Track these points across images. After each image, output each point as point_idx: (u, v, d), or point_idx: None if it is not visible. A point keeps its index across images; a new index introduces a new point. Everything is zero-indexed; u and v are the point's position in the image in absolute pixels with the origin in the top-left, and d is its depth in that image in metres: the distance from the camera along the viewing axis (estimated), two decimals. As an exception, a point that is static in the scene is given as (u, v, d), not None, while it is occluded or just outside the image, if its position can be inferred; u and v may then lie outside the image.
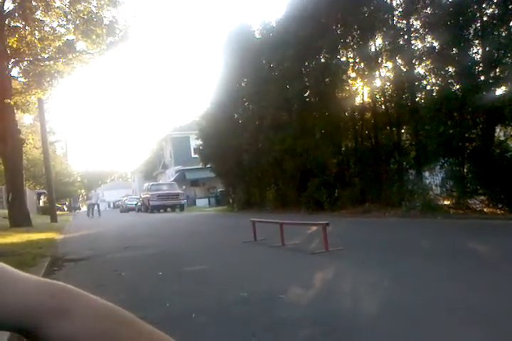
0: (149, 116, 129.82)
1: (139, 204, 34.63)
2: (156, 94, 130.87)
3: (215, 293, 4.15)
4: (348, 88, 15.05)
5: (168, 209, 30.16)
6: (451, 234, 7.70)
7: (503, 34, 10.16)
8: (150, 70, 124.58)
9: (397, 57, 13.29)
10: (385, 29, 13.65)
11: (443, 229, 8.46)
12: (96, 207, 27.37)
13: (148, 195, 30.33)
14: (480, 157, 10.30)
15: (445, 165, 11.54)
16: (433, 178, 12.25)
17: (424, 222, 9.91)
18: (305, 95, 16.89)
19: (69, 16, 16.20)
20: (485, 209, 10.20)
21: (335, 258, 5.62)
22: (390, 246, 6.46)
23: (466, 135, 10.79)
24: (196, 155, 29.20)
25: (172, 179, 38.78)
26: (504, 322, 2.74)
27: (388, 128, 13.93)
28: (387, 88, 13.83)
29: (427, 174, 12.50)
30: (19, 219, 14.80)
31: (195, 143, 30.48)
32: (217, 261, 6.16)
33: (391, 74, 13.79)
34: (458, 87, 11.11)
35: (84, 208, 68.84)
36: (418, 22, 12.77)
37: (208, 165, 25.52)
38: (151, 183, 34.48)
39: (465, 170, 11.05)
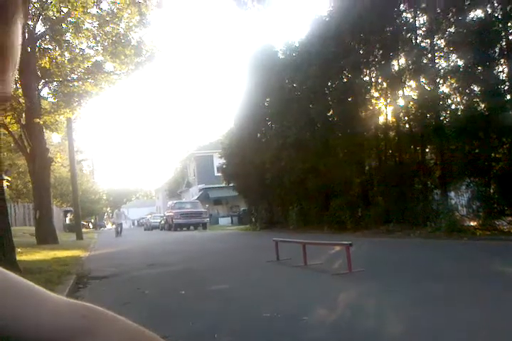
0: (174, 135, 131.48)
1: (163, 222, 34.84)
2: (181, 114, 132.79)
3: (238, 312, 4.14)
4: (371, 107, 15.05)
5: (191, 227, 30.27)
6: (478, 256, 7.53)
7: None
8: (175, 90, 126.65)
9: (420, 76, 13.25)
10: (408, 48, 13.68)
11: (469, 251, 8.27)
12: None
13: (171, 213, 30.54)
14: (506, 177, 10.11)
15: (471, 185, 11.36)
16: (458, 198, 12.06)
17: (449, 243, 9.70)
18: (328, 114, 16.92)
19: (98, 38, 16.68)
20: (513, 231, 9.96)
21: (358, 279, 5.55)
22: (415, 269, 6.35)
23: (492, 155, 10.65)
24: (219, 174, 29.36)
25: (195, 197, 39.00)
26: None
27: (412, 147, 13.82)
28: (410, 107, 13.76)
29: (452, 194, 12.31)
30: (46, 236, 15.05)
31: (218, 161, 30.71)
32: (240, 281, 6.14)
33: (415, 94, 13.74)
34: (483, 106, 11.01)
35: (109, 226, 69.59)
36: (442, 41, 12.77)
37: (231, 184, 25.61)
38: (174, 201, 34.74)
39: (491, 191, 10.85)
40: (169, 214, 31.33)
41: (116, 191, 72.64)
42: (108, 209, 63.83)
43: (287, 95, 18.39)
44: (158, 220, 39.14)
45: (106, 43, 16.62)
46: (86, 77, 17.44)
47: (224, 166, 26.22)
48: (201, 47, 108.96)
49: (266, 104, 21.52)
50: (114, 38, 16.31)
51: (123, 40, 16.46)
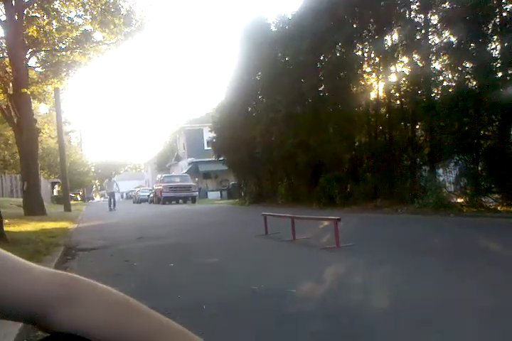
0: (163, 108, 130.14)
1: (152, 195, 34.87)
2: (171, 86, 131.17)
3: (226, 285, 4.18)
4: (363, 83, 14.96)
5: (180, 201, 30.38)
6: (463, 232, 7.65)
7: (524, 30, 9.97)
8: (165, 62, 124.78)
9: (413, 53, 13.14)
10: (401, 23, 13.49)
11: (455, 227, 8.41)
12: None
13: (160, 187, 30.53)
14: (495, 155, 10.18)
15: (459, 162, 11.44)
16: (446, 175, 12.16)
17: (436, 219, 9.84)
18: (319, 89, 16.80)
19: (87, 6, 16.28)
20: (499, 208, 10.10)
21: (346, 253, 5.62)
22: (401, 243, 6.44)
23: (482, 132, 10.69)
24: (209, 148, 29.27)
25: (185, 171, 38.99)
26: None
27: (403, 124, 13.82)
28: (402, 83, 13.69)
29: (440, 171, 12.40)
30: (34, 207, 15.01)
31: (208, 135, 30.57)
32: (229, 254, 6.19)
33: (407, 70, 13.64)
34: (475, 83, 10.97)
35: (97, 198, 69.43)
36: (436, 17, 12.59)
37: (221, 158, 25.58)
38: (163, 175, 34.72)
39: (479, 168, 10.94)
40: (158, 188, 31.32)
41: (105, 163, 72.33)
42: (96, 181, 63.64)
43: (279, 69, 18.19)
44: (147, 193, 39.17)
45: (95, 12, 16.24)
46: (74, 46, 17.10)
47: (214, 140, 26.11)
48: (193, 18, 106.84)
49: (257, 77, 21.27)
50: (103, 7, 15.94)
51: (112, 9, 16.10)
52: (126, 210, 23.91)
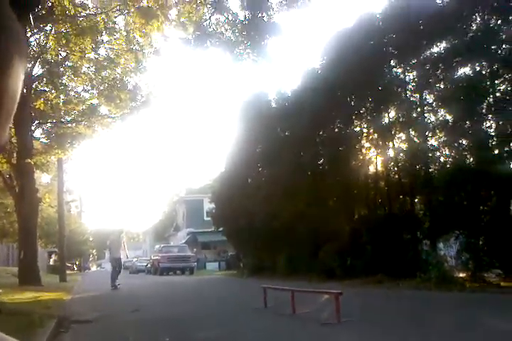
0: (164, 179, 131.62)
1: (149, 265, 34.22)
2: (172, 157, 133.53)
3: None
4: (361, 157, 15.31)
5: (178, 271, 29.76)
6: (467, 309, 7.47)
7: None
8: (168, 133, 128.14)
9: (410, 129, 13.62)
10: (398, 102, 14.11)
11: (459, 304, 8.21)
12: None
13: (158, 257, 30.04)
14: (495, 230, 10.20)
15: (460, 236, 11.43)
16: (447, 250, 12.10)
17: (438, 295, 9.63)
18: (319, 162, 17.15)
19: (94, 82, 16.99)
20: (501, 283, 9.93)
21: (346, 329, 5.48)
22: (403, 320, 6.29)
23: (481, 207, 10.78)
24: (209, 218, 29.22)
25: (183, 241, 38.57)
26: None
27: (401, 197, 13.97)
28: (400, 158, 14.04)
29: (441, 245, 12.34)
30: (29, 277, 14.69)
31: (208, 206, 30.64)
32: (226, 329, 6.03)
33: (404, 145, 14.06)
34: (472, 159, 11.26)
35: (93, 268, 67.91)
36: (431, 96, 13.21)
37: (220, 229, 25.45)
38: (162, 245, 34.39)
39: (480, 243, 10.90)
40: (156, 258, 30.81)
41: (103, 232, 71.60)
42: (94, 251, 62.68)
43: (279, 142, 18.68)
44: (144, 264, 38.45)
45: (102, 87, 16.90)
46: (80, 119, 17.61)
47: (213, 210, 26.16)
48: (196, 94, 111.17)
49: (257, 150, 21.78)
50: (110, 82, 16.62)
51: (119, 85, 16.76)
52: (122, 281, 23.29)
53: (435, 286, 10.40)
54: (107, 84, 16.67)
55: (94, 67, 16.38)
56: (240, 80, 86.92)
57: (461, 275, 11.19)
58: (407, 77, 13.99)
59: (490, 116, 11.22)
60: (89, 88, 17.53)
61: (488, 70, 11.21)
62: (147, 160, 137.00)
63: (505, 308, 7.30)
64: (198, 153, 78.02)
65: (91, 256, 63.12)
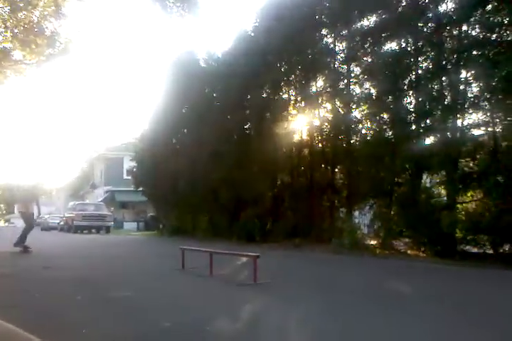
0: (82, 134, 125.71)
1: (62, 223, 33.21)
2: (93, 112, 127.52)
3: (137, 320, 4.01)
4: (287, 124, 15.48)
5: (93, 230, 29.20)
6: (375, 273, 8.03)
7: (436, 87, 10.90)
8: (89, 86, 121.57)
9: (336, 100, 13.92)
10: (326, 72, 14.30)
11: (368, 268, 8.79)
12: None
13: (72, 215, 29.22)
14: (407, 201, 10.88)
15: (374, 206, 12.07)
16: (362, 218, 12.76)
17: (351, 259, 10.25)
18: (245, 127, 17.18)
19: (8, 23, 15.65)
20: (408, 251, 10.72)
21: (262, 290, 5.66)
22: (317, 282, 6.63)
23: (396, 179, 11.39)
24: (129, 177, 28.61)
25: (100, 199, 37.64)
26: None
27: (323, 166, 14.42)
28: (325, 128, 14.37)
29: (356, 213, 13.00)
30: None
31: (128, 164, 29.92)
32: (142, 288, 5.98)
33: (329, 115, 14.37)
34: (391, 133, 11.76)
35: (1, 223, 64.64)
36: (358, 68, 13.49)
37: (140, 188, 25.03)
38: (76, 202, 33.37)
39: (392, 213, 11.59)
40: (70, 215, 29.94)
41: (14, 186, 67.99)
42: (2, 205, 59.59)
43: (206, 104, 18.39)
44: (57, 221, 37.26)
45: (16, 30, 15.64)
46: (-10, 63, 16.28)
47: (134, 170, 25.63)
48: (122, 47, 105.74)
49: (183, 110, 21.34)
50: (26, 26, 15.40)
51: (36, 29, 15.57)
52: (33, 237, 22.43)
53: (348, 252, 11.06)
54: (22, 27, 15.43)
55: (9, 7, 15.05)
56: (169, 37, 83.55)
57: (373, 242, 11.92)
58: (337, 48, 14.14)
59: (410, 92, 11.67)
60: (2, 30, 16.14)
61: (413, 47, 11.57)
62: (65, 113, 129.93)
63: (408, 273, 7.92)
64: (121, 109, 75.02)
65: (-1, 210, 59.98)
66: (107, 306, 4.75)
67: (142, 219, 33.21)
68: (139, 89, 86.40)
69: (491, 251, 9.36)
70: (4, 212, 66.07)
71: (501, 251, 9.01)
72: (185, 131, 21.87)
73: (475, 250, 9.71)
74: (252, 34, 16.58)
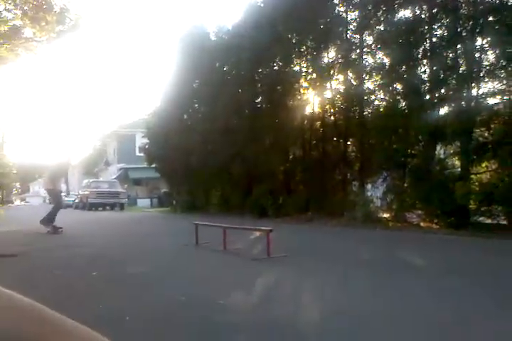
0: (95, 111, 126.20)
1: (77, 201, 33.57)
2: (105, 89, 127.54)
3: (152, 295, 4.04)
4: (299, 97, 15.27)
5: (108, 207, 29.49)
6: (388, 245, 7.96)
7: (450, 56, 10.61)
8: (100, 63, 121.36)
9: (348, 71, 13.63)
10: (338, 42, 13.99)
11: (380, 241, 8.73)
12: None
13: (87, 192, 29.52)
14: (420, 173, 10.71)
15: (387, 178, 11.92)
16: (375, 191, 12.63)
17: (363, 232, 10.19)
18: (257, 101, 16.99)
19: (17, 1, 15.51)
20: (421, 224, 10.62)
21: (277, 264, 5.64)
22: (331, 255, 6.59)
23: (409, 151, 11.20)
24: (141, 154, 28.68)
25: (114, 177, 37.88)
26: (421, 322, 2.84)
27: (336, 139, 14.24)
28: (337, 100, 14.13)
29: (369, 186, 12.87)
30: None
31: (141, 141, 29.96)
32: (156, 264, 6.02)
33: (342, 87, 14.11)
34: (404, 104, 11.51)
35: (17, 202, 65.68)
36: (371, 37, 13.17)
37: (153, 165, 25.09)
38: (91, 180, 33.65)
39: (405, 185, 11.45)
40: (84, 193, 30.27)
41: (28, 165, 68.80)
42: (17, 184, 60.39)
43: (217, 78, 18.16)
44: (72, 198, 37.67)
45: (26, 7, 15.50)
46: (2, 41, 16.20)
47: (147, 146, 25.63)
48: (132, 22, 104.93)
49: (195, 85, 21.15)
50: (35, 2, 15.25)
51: (45, 6, 15.42)
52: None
53: (361, 225, 10.99)
54: (31, 4, 15.27)
55: (17, -16, 14.88)
56: (180, 10, 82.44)
57: (386, 215, 11.82)
58: (349, 17, 13.79)
59: (425, 61, 11.37)
60: (12, 7, 16.00)
61: (427, 14, 11.22)
62: (78, 91, 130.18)
63: (422, 245, 7.84)
64: (134, 86, 74.86)
65: (14, 189, 60.80)
66: (122, 282, 4.77)
67: (155, 195, 33.39)
68: (150, 65, 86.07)
69: (505, 222, 9.22)
70: (20, 191, 67.03)
71: (516, 221, 8.86)
72: (196, 106, 21.73)
73: (489, 221, 9.57)
74: (262, 5, 16.21)
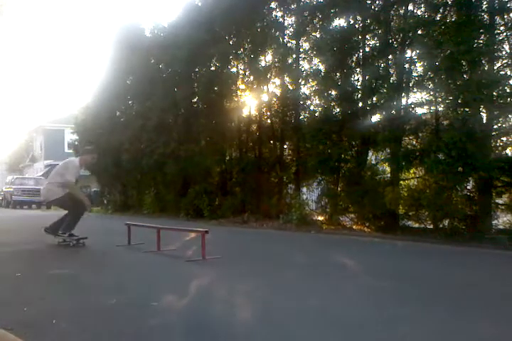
0: (22, 104, 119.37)
1: (0, 198, 31.96)
2: (33, 82, 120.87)
3: (80, 298, 3.89)
4: (236, 99, 15.31)
5: (34, 205, 28.30)
6: (321, 248, 8.26)
7: (382, 65, 11.06)
8: (28, 55, 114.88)
9: (285, 75, 13.86)
10: (275, 46, 14.15)
11: (314, 243, 9.03)
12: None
13: (11, 189, 28.18)
14: (353, 177, 11.14)
15: (322, 182, 12.27)
16: (310, 194, 12.97)
17: (298, 235, 10.47)
18: (193, 101, 16.84)
19: None
20: (354, 227, 11.05)
21: (211, 266, 5.67)
22: (265, 257, 6.75)
23: (343, 156, 11.58)
24: (70, 150, 27.67)
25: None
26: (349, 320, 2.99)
27: (272, 142, 14.44)
28: (273, 103, 14.32)
29: (304, 189, 13.19)
30: None
31: (70, 137, 28.88)
32: (86, 265, 5.85)
33: (278, 91, 14.32)
34: (338, 110, 11.87)
35: None
36: (307, 44, 13.44)
37: (83, 162, 24.23)
38: (15, 176, 32.19)
39: (339, 189, 11.84)
40: (8, 190, 28.89)
41: None
42: None
43: (152, 75, 17.81)
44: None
45: None
46: None
47: (76, 143, 24.78)
48: (63, 13, 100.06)
49: (128, 81, 20.64)
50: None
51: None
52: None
53: (296, 227, 11.27)
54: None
55: None
56: (115, 3, 79.64)
57: (320, 218, 12.19)
58: (286, 22, 14.02)
59: (358, 69, 11.78)
60: None
61: (361, 25, 11.62)
62: (2, 82, 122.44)
63: (354, 248, 8.18)
64: (63, 80, 71.61)
65: None
66: (50, 283, 4.57)
67: (85, 194, 32.31)
68: (82, 59, 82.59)
69: (431, 226, 9.79)
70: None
71: (441, 226, 9.42)
72: (130, 103, 21.22)
73: (416, 225, 10.12)
74: (200, 4, 16.08)
